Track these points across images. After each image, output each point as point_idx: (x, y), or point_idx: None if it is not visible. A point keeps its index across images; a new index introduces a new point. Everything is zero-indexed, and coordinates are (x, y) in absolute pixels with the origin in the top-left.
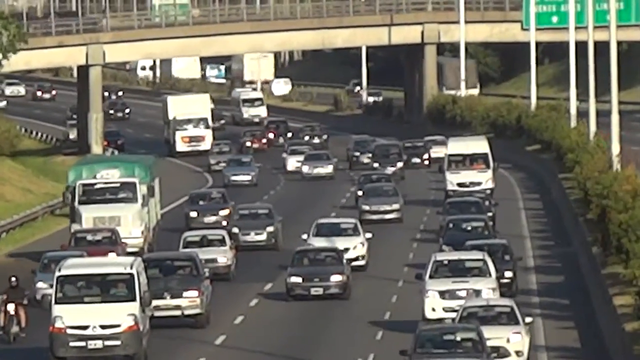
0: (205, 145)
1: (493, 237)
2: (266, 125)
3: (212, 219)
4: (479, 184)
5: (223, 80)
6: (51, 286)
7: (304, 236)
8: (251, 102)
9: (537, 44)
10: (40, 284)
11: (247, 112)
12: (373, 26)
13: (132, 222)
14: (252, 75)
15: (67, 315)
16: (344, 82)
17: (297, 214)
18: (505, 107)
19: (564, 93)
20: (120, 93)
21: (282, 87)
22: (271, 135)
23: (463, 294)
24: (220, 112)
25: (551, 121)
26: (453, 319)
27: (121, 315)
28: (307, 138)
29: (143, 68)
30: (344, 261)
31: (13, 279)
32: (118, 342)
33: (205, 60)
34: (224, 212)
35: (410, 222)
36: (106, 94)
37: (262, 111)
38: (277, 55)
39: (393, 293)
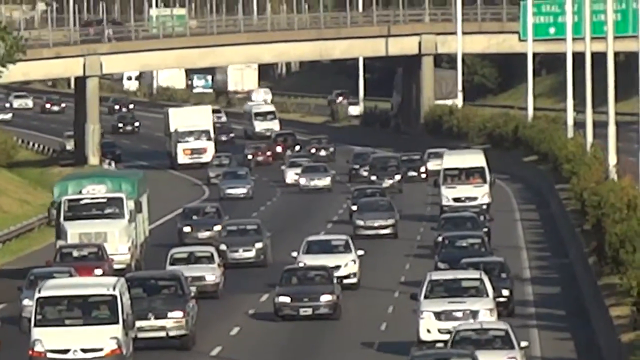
0: (207, 157)
1: (490, 254)
2: (274, 138)
3: (206, 234)
4: (475, 198)
5: (210, 90)
6: None
7: (294, 254)
8: (263, 115)
9: (535, 55)
10: (26, 301)
11: (259, 126)
12: (370, 37)
13: (118, 238)
14: (235, 85)
15: (47, 339)
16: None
17: (289, 229)
18: (503, 118)
19: (561, 104)
20: (131, 106)
21: (262, 96)
22: (279, 149)
23: (459, 315)
24: (229, 125)
25: (548, 132)
26: (445, 343)
27: (103, 338)
28: (313, 151)
29: (129, 78)
30: (334, 280)
31: None
32: None
33: (192, 71)
34: (218, 228)
35: (404, 238)
36: (117, 107)
37: (274, 125)
38: (274, 66)
39: (385, 312)
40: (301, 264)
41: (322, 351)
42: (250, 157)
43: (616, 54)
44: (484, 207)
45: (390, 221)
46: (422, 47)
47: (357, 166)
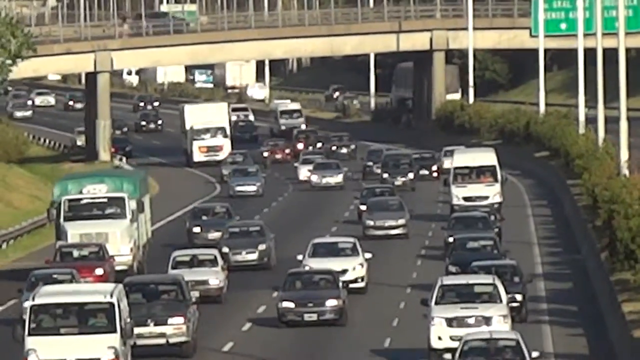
0: (224, 155)
1: (503, 256)
2: (296, 135)
3: (216, 235)
4: (486, 198)
5: (210, 85)
6: None
7: (299, 257)
8: (289, 113)
9: (546, 50)
10: (27, 303)
11: (285, 124)
12: (382, 33)
13: (120, 239)
14: (233, 80)
15: (41, 348)
16: (353, 88)
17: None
18: (514, 114)
19: (573, 100)
20: (156, 103)
21: (257, 91)
22: (300, 146)
23: (472, 321)
24: (253, 123)
25: (560, 128)
26: (453, 355)
27: (100, 348)
28: (334, 148)
29: (129, 73)
30: (340, 284)
31: None
32: None
33: (192, 65)
34: None
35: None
36: (141, 104)
37: (300, 123)
38: (285, 62)
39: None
40: (307, 268)
41: (328, 359)
42: (266, 154)
43: (627, 50)
44: (495, 206)
45: (401, 221)
46: (433, 42)
47: (370, 163)
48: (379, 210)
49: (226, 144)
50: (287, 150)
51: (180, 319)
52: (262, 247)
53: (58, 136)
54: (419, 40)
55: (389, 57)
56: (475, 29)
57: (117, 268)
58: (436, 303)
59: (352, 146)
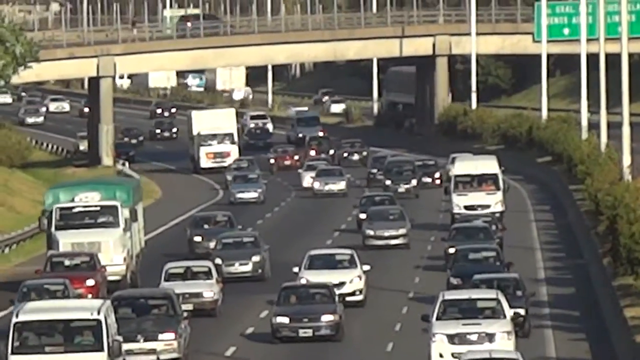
0: (231, 161)
1: (506, 267)
2: (308, 142)
3: None
4: (487, 206)
5: (202, 89)
6: None
7: (295, 269)
8: (306, 121)
9: (549, 56)
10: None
11: (303, 131)
12: (385, 38)
13: (113, 248)
14: (223, 84)
15: None
16: (355, 93)
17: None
18: (517, 119)
19: (575, 105)
20: (173, 110)
21: (243, 95)
22: (313, 152)
23: (474, 338)
24: (267, 130)
25: (562, 133)
26: None
27: None
28: (346, 154)
29: (121, 77)
30: (336, 298)
31: None
32: None
33: (186, 70)
34: None
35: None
36: (158, 110)
37: (317, 130)
38: (288, 67)
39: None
40: (303, 280)
41: None
42: (272, 161)
43: (630, 55)
44: (497, 215)
45: (402, 231)
46: (436, 47)
47: (375, 170)
48: (379, 220)
49: (234, 150)
50: (297, 157)
51: (171, 335)
52: (256, 258)
53: (61, 141)
54: (421, 46)
55: (391, 62)
56: (478, 34)
57: (110, 278)
58: (437, 318)
59: (364, 153)
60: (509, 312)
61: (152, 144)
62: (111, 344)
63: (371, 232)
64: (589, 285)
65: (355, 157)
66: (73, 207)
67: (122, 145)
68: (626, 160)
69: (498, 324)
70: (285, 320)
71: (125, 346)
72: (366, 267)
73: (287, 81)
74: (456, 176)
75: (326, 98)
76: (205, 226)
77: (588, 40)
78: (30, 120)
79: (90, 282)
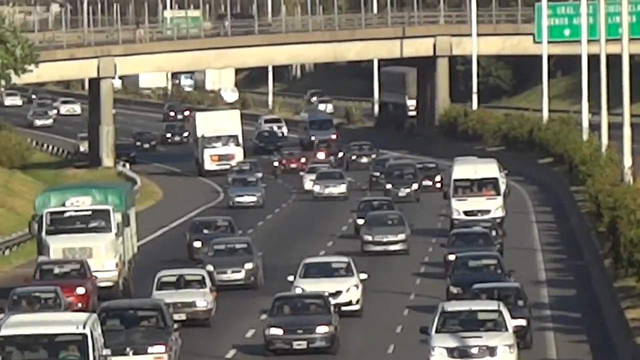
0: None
1: (507, 275)
2: (317, 145)
3: None
4: (487, 212)
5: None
6: None
7: (290, 278)
8: (319, 124)
9: (550, 56)
10: None
11: (316, 135)
12: (385, 39)
13: (105, 254)
14: (212, 84)
15: None
16: (356, 94)
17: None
18: (517, 120)
19: (576, 106)
20: (187, 113)
21: (230, 94)
22: (321, 155)
23: (475, 351)
24: (277, 134)
25: (563, 134)
26: None
27: None
28: (354, 157)
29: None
30: (332, 309)
31: None
32: None
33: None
34: None
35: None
36: (171, 113)
37: (330, 133)
38: (288, 68)
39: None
40: (298, 290)
41: None
42: (276, 164)
43: (631, 56)
44: (497, 221)
45: (401, 236)
46: (436, 48)
47: (377, 173)
48: (378, 225)
49: (238, 152)
50: (303, 160)
51: (161, 348)
52: (248, 266)
53: (61, 142)
54: (422, 46)
55: (392, 63)
56: (478, 34)
57: (102, 284)
58: (437, 331)
59: (373, 155)
60: (511, 325)
61: (163, 148)
62: (97, 359)
63: (369, 238)
64: (590, 286)
65: (364, 160)
66: (64, 212)
67: (123, 146)
68: (627, 161)
69: (500, 337)
70: (278, 331)
71: None
72: (363, 276)
73: (288, 82)
74: (455, 180)
75: (314, 98)
76: (205, 231)
77: (589, 41)
78: (39, 122)
79: (80, 290)
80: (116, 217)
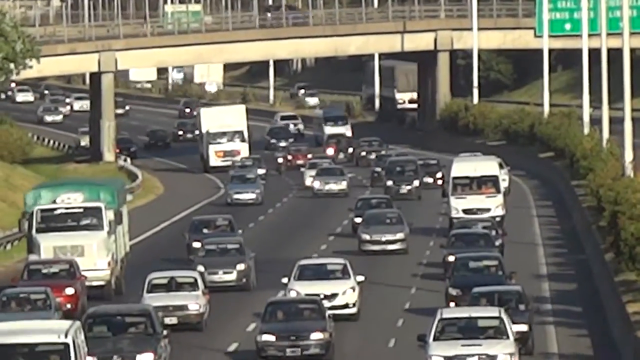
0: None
1: (508, 277)
2: (326, 140)
3: None
4: (487, 210)
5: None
6: None
7: (284, 280)
8: (334, 120)
9: (550, 51)
10: None
11: (330, 131)
12: (386, 33)
13: (97, 252)
14: (201, 78)
15: None
16: (357, 89)
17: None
18: (518, 115)
19: (577, 100)
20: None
21: (214, 87)
22: (330, 151)
23: None
24: (287, 130)
25: (564, 128)
26: None
27: None
28: (364, 153)
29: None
30: (326, 314)
31: None
32: None
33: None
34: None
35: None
36: (187, 110)
37: (345, 129)
38: (289, 62)
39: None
40: (292, 292)
41: None
42: (280, 160)
43: (632, 50)
44: (497, 219)
45: (400, 235)
46: (437, 43)
47: (379, 169)
48: (376, 224)
49: (244, 148)
50: (310, 156)
51: (150, 355)
52: (240, 267)
53: (64, 137)
54: (423, 41)
55: (393, 57)
56: (479, 29)
57: (94, 283)
58: (435, 339)
59: (382, 152)
60: (513, 332)
61: (173, 145)
62: None
63: (367, 237)
64: (591, 281)
65: (373, 156)
66: (55, 209)
67: (124, 141)
68: (628, 155)
69: (500, 345)
70: (271, 338)
71: None
72: (360, 278)
73: (289, 77)
74: (454, 178)
75: (302, 91)
76: (205, 230)
77: (590, 35)
78: (49, 118)
79: (69, 291)
80: (108, 215)
